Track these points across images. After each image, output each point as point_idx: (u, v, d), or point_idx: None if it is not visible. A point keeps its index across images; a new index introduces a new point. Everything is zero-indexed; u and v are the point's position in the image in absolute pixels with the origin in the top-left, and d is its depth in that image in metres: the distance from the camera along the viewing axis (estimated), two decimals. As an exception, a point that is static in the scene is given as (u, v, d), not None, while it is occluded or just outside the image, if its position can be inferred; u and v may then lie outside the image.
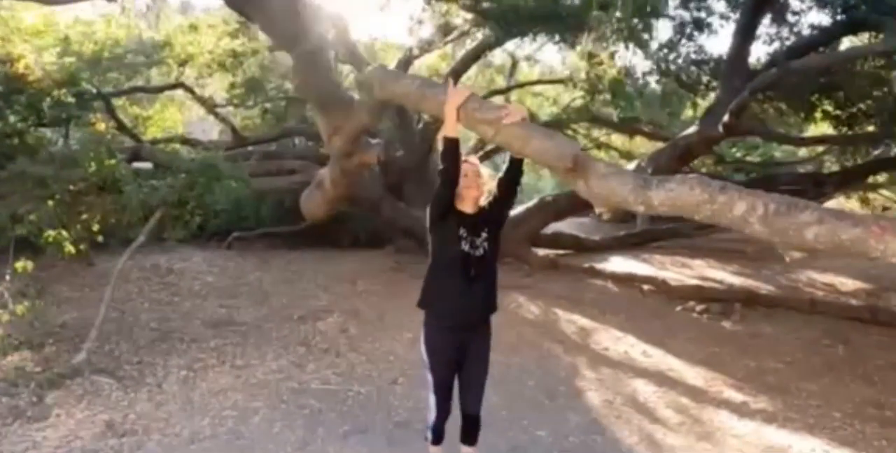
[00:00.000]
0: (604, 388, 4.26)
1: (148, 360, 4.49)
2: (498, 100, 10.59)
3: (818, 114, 8.12)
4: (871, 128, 7.92)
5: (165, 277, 7.32)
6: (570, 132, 11.43)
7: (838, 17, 5.51)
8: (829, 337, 5.56)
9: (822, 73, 5.49)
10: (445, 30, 8.06)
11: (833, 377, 4.55)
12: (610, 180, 2.07)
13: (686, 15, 7.06)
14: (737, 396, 4.17)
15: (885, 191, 11.66)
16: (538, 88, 12.32)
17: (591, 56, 9.21)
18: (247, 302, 6.37)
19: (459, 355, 2.67)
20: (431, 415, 2.78)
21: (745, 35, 6.01)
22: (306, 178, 6.06)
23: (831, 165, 10.10)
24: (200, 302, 6.30)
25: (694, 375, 4.56)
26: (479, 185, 2.60)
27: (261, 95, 9.50)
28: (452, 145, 2.46)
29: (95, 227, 4.74)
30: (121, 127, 8.38)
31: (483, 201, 2.63)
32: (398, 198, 8.39)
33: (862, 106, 7.54)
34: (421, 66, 10.83)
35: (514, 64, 12.44)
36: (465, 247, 2.54)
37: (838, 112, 7.80)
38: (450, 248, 2.56)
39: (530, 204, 8.66)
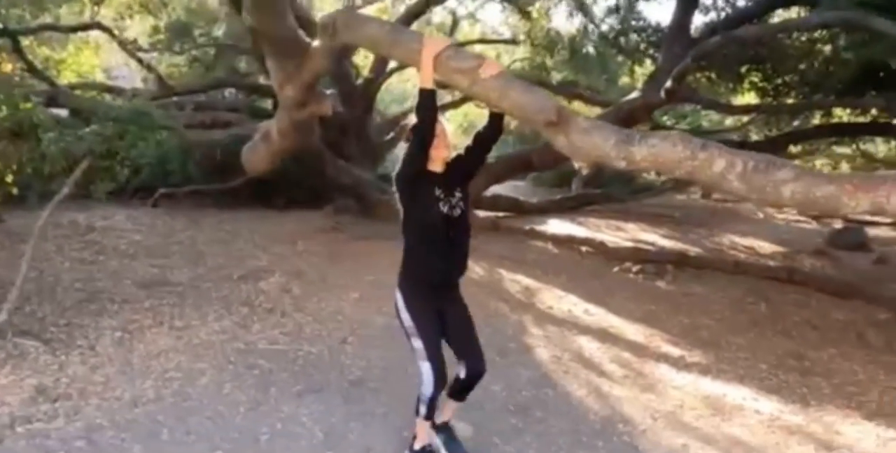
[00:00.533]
0: (551, 345, 4.38)
1: (76, 322, 4.20)
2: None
3: (746, 85, 8.48)
4: (790, 101, 8.36)
5: (86, 235, 6.84)
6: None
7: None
8: (751, 295, 5.94)
9: (755, 44, 5.68)
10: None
11: (757, 332, 4.88)
12: (592, 134, 2.04)
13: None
14: (674, 350, 4.40)
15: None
16: (479, 48, 12.15)
17: (528, 14, 9.14)
18: (180, 261, 6.06)
19: (441, 319, 2.59)
20: (428, 387, 2.53)
21: (688, 3, 6.11)
22: (245, 132, 5.74)
23: (755, 135, 10.65)
24: (129, 261, 5.94)
25: (634, 331, 4.77)
26: (448, 145, 2.48)
27: (188, 42, 8.83)
28: (430, 97, 2.32)
29: (10, 179, 4.31)
30: (31, 69, 7.58)
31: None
32: (338, 155, 8.15)
33: (787, 78, 7.92)
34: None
35: (455, 22, 12.19)
36: (444, 208, 2.44)
37: (765, 83, 8.16)
38: (429, 212, 2.44)
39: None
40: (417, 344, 2.55)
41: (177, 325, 4.31)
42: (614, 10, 8.26)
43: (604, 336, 4.62)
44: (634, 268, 6.58)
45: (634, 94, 6.66)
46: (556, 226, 9.00)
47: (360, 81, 9.06)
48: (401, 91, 15.65)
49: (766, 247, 8.54)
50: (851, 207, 1.67)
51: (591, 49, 10.05)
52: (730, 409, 3.45)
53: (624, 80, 10.58)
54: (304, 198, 9.36)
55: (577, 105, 11.63)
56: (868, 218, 11.03)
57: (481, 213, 8.90)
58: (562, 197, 10.77)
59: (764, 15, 6.44)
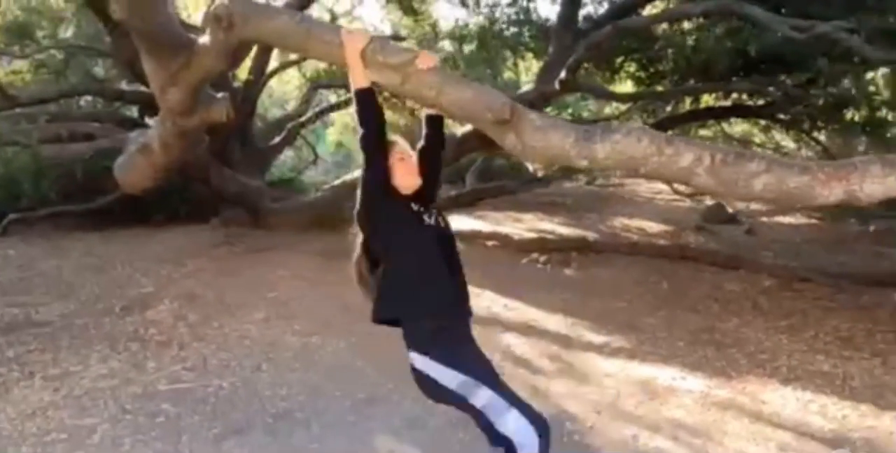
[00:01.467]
0: (483, 346, 4.25)
1: (-82, 385, 3.46)
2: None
3: (622, 75, 8.91)
4: (662, 89, 8.89)
5: (-81, 276, 5.77)
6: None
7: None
8: (652, 274, 6.20)
9: (632, 34, 5.93)
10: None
11: (667, 310, 5.07)
12: (548, 132, 1.88)
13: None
14: (597, 338, 4.44)
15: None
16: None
17: (411, 10, 8.99)
18: (45, 297, 5.27)
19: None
20: (530, 438, 1.83)
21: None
22: (113, 144, 5.07)
23: (637, 121, 11.25)
24: (-21, 302, 5.06)
25: (555, 323, 4.77)
26: (414, 171, 2.04)
27: (29, 45, 7.71)
28: (369, 96, 1.95)
29: None
30: None
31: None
32: (222, 163, 7.52)
33: (659, 66, 8.39)
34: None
35: (333, 20, 11.76)
36: (431, 221, 1.98)
37: (640, 72, 8.60)
38: (414, 230, 1.97)
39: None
40: (484, 397, 1.86)
41: (52, 374, 3.69)
42: (498, 3, 8.30)
43: (528, 331, 4.58)
44: (542, 259, 6.65)
45: (529, 87, 6.72)
46: (457, 222, 8.92)
47: (237, 84, 8.42)
48: (281, 94, 14.89)
49: (653, 226, 9.03)
50: (825, 197, 1.65)
51: (475, 44, 10.06)
52: (663, 392, 3.50)
53: (507, 74, 10.73)
54: (186, 211, 8.58)
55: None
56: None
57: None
58: (457, 193, 10.74)
59: (643, 6, 6.75)
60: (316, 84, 11.08)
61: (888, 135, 4.60)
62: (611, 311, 5.04)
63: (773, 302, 5.28)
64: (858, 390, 3.48)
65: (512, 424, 1.82)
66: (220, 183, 6.84)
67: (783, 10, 4.31)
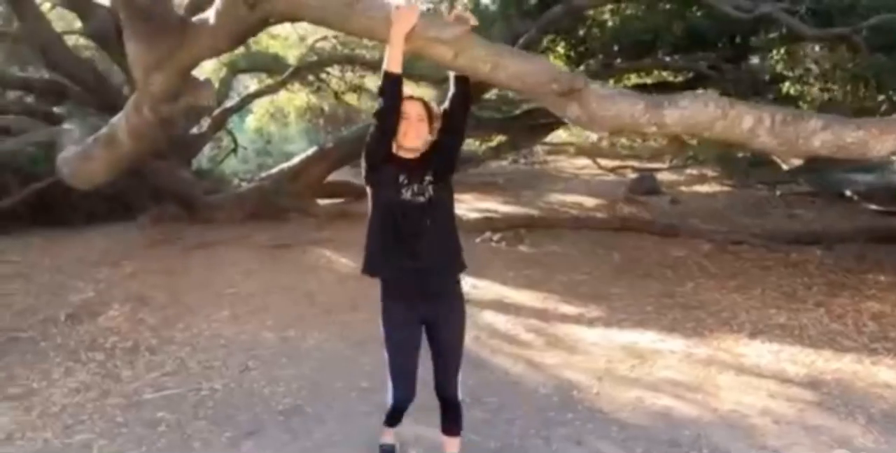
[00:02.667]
0: (468, 328, 4.29)
1: None
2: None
3: (553, 53, 9.13)
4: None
5: None
6: (323, 76, 10.87)
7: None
8: (599, 247, 6.49)
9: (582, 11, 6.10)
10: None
11: (626, 280, 5.33)
12: (617, 101, 1.91)
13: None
14: (571, 309, 4.61)
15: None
16: (279, 29, 11.31)
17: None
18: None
19: (422, 331, 2.27)
20: (388, 399, 2.32)
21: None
22: (32, 138, 4.58)
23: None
24: None
25: (528, 298, 4.89)
26: (421, 132, 2.13)
27: None
28: (396, 85, 1.99)
29: None
30: None
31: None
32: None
33: (586, 46, 8.67)
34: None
35: None
36: (406, 194, 2.12)
37: (570, 52, 8.84)
38: (387, 198, 2.15)
39: (309, 152, 8.08)
40: (384, 355, 2.29)
41: (13, 394, 3.35)
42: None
43: (504, 308, 4.67)
44: (495, 237, 6.76)
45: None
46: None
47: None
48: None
49: (587, 201, 9.41)
50: (877, 150, 1.79)
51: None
52: (649, 354, 3.71)
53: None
54: (108, 209, 7.94)
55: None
56: (651, 165, 12.77)
57: (324, 202, 8.42)
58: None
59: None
60: (235, 69, 10.52)
61: (816, 107, 5.07)
62: (575, 284, 5.24)
63: (716, 264, 5.70)
64: (815, 338, 3.86)
65: (387, 384, 2.31)
66: (155, 177, 6.38)
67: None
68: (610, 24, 8.22)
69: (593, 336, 4.07)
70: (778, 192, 9.42)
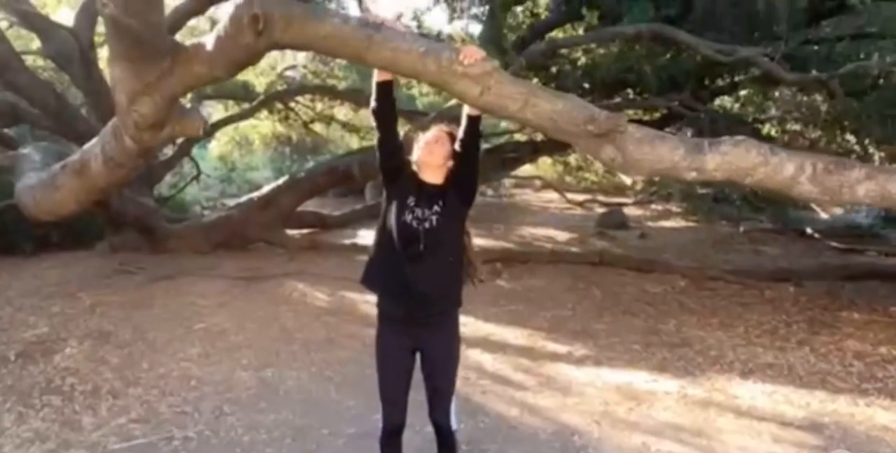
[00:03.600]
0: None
1: None
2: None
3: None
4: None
5: None
6: (292, 105, 10.74)
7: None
8: (579, 282, 6.45)
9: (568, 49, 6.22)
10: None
11: (609, 316, 5.28)
12: (656, 145, 1.85)
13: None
14: (559, 347, 4.50)
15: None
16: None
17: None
18: None
19: (414, 358, 2.26)
20: (380, 425, 2.31)
21: (495, 16, 6.33)
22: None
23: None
24: None
25: (514, 335, 4.77)
26: (436, 151, 2.15)
27: None
28: (384, 87, 2.09)
29: None
30: None
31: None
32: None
33: (559, 82, 8.83)
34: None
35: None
36: (408, 217, 2.14)
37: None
38: (393, 218, 2.17)
39: (279, 182, 7.86)
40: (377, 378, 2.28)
41: (-43, 445, 3.00)
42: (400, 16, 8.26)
43: (491, 346, 4.53)
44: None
45: (454, 102, 6.71)
46: (370, 237, 8.71)
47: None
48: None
49: (559, 234, 9.44)
50: None
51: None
52: (645, 396, 3.62)
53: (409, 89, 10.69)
54: (62, 236, 7.50)
55: (364, 113, 11.44)
56: (618, 200, 12.99)
57: (292, 232, 8.18)
58: (363, 206, 10.48)
59: (563, 25, 7.06)
60: (201, 95, 10.28)
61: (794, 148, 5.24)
62: (560, 320, 5.15)
63: (695, 301, 5.72)
64: (805, 378, 3.85)
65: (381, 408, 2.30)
66: (118, 204, 6.06)
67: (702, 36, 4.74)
68: (582, 61, 8.40)
69: (585, 376, 3.96)
70: (742, 229, 9.66)
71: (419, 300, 2.17)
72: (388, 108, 2.13)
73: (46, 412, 3.36)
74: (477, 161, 2.19)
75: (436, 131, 2.19)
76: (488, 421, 3.29)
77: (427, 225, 2.13)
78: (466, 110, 2.16)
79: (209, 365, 4.07)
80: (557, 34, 7.39)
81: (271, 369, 4.02)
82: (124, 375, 3.88)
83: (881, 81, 4.30)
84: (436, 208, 2.14)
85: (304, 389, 3.72)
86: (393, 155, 2.18)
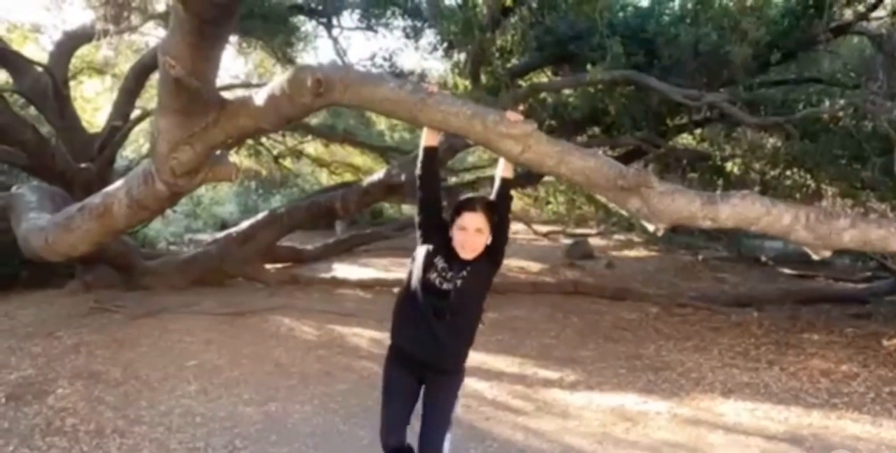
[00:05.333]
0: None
1: None
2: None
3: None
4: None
5: None
6: (263, 140, 10.83)
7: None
8: (558, 311, 6.71)
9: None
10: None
11: (592, 343, 5.53)
12: (676, 198, 2.10)
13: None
14: (550, 374, 4.70)
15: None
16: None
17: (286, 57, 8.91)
18: None
19: (418, 390, 2.40)
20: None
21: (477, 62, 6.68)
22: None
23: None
24: None
25: (505, 364, 4.94)
26: (477, 245, 2.26)
27: None
28: (430, 152, 2.26)
29: None
30: None
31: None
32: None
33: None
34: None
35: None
36: (433, 276, 2.26)
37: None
38: (416, 273, 2.31)
39: (258, 217, 7.91)
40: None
41: (-33, 490, 2.95)
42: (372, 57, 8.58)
43: (485, 374, 4.68)
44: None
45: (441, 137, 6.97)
46: (346, 270, 8.80)
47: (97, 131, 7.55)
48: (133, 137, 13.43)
49: (530, 265, 9.74)
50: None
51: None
52: (638, 417, 3.84)
53: (380, 123, 10.97)
54: (29, 275, 7.31)
55: (334, 149, 11.64)
56: (582, 231, 13.45)
57: (268, 266, 8.19)
58: (336, 240, 10.57)
59: (535, 70, 7.50)
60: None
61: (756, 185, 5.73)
62: (546, 348, 5.36)
63: (669, 327, 6.04)
64: (780, 396, 4.15)
65: None
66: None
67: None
68: (550, 100, 8.86)
69: (579, 400, 4.16)
70: (700, 257, 10.20)
71: (429, 351, 2.30)
72: (434, 172, 2.29)
73: (53, 453, 3.32)
74: (508, 224, 2.36)
75: (478, 218, 2.23)
76: (497, 446, 3.44)
77: (448, 285, 2.25)
78: (500, 173, 2.36)
79: (210, 402, 4.08)
80: (532, 77, 7.83)
81: (274, 403, 4.06)
82: (125, 414, 3.86)
83: (831, 125, 4.81)
84: (464, 273, 2.26)
85: (311, 422, 3.78)
86: (433, 216, 2.33)
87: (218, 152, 2.83)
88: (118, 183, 3.03)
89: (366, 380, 4.55)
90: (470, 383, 4.46)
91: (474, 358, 5.05)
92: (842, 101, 4.45)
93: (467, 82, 6.06)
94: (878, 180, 4.28)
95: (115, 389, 4.27)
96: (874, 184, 4.57)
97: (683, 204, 2.13)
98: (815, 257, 2.26)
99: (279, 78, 2.24)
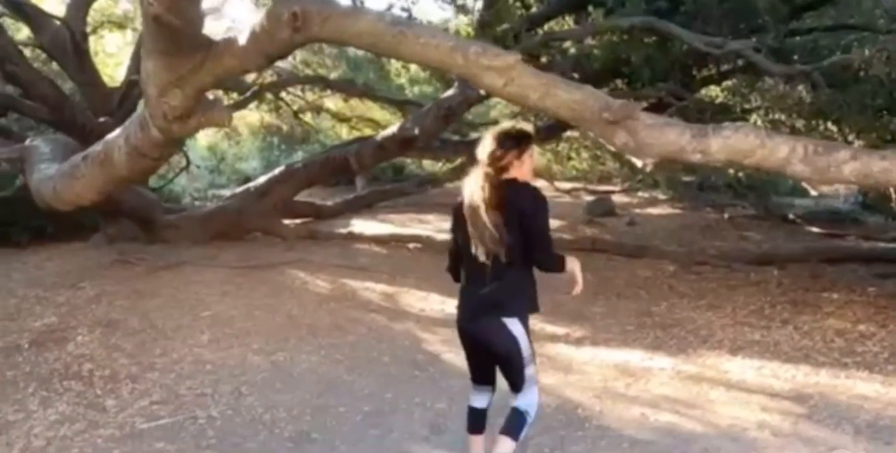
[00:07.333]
0: (457, 348, 4.21)
1: None
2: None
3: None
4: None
5: None
6: (283, 94, 10.76)
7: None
8: (572, 267, 6.64)
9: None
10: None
11: (603, 299, 5.49)
12: (665, 130, 2.01)
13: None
14: (557, 329, 4.70)
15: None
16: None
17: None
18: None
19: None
20: (534, 411, 2.57)
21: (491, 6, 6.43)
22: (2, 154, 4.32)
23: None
24: None
25: (513, 318, 4.94)
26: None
27: None
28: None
29: None
30: None
31: None
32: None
33: (551, 71, 8.96)
34: None
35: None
36: (475, 249, 2.39)
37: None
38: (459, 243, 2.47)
39: (275, 172, 7.94)
40: (532, 370, 2.49)
41: (-12, 428, 3.11)
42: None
43: (491, 328, 4.70)
44: (469, 258, 6.81)
45: (452, 91, 6.85)
46: (364, 226, 8.83)
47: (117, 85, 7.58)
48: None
49: (551, 222, 9.61)
50: None
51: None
52: (641, 372, 3.82)
53: (398, 79, 10.79)
54: (57, 227, 7.52)
55: (354, 104, 11.52)
56: (605, 188, 13.22)
57: (287, 222, 8.27)
58: (355, 196, 10.59)
59: (556, 17, 7.20)
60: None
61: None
62: (557, 304, 5.29)
63: (684, 284, 5.94)
64: (790, 354, 4.08)
65: (535, 395, 2.56)
66: (119, 194, 6.10)
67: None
68: (573, 51, 8.53)
69: (584, 355, 4.16)
70: (726, 215, 9.93)
71: (475, 310, 2.53)
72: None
73: (69, 396, 3.47)
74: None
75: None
76: (496, 398, 3.45)
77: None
78: None
79: (221, 351, 4.20)
80: (552, 26, 7.52)
81: (282, 353, 4.16)
82: (139, 361, 4.00)
83: (861, 74, 4.51)
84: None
85: (317, 371, 3.87)
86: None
87: (211, 97, 2.80)
88: (118, 130, 3.04)
89: (373, 333, 4.62)
90: (476, 337, 4.49)
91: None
92: (873, 49, 4.15)
93: (470, 29, 5.83)
94: (907, 132, 4.04)
95: (131, 337, 4.42)
96: (904, 137, 4.33)
97: (672, 137, 2.03)
98: (813, 193, 2.14)
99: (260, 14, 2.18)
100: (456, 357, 4.14)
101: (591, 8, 6.50)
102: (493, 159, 2.22)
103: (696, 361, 4.00)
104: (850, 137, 4.86)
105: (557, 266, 2.40)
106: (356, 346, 4.35)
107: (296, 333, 4.57)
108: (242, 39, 2.20)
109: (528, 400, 2.45)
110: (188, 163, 12.82)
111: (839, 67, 4.49)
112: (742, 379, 3.68)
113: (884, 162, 1.99)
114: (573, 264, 2.45)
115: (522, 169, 2.25)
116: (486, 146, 2.22)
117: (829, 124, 5.17)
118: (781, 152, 2.00)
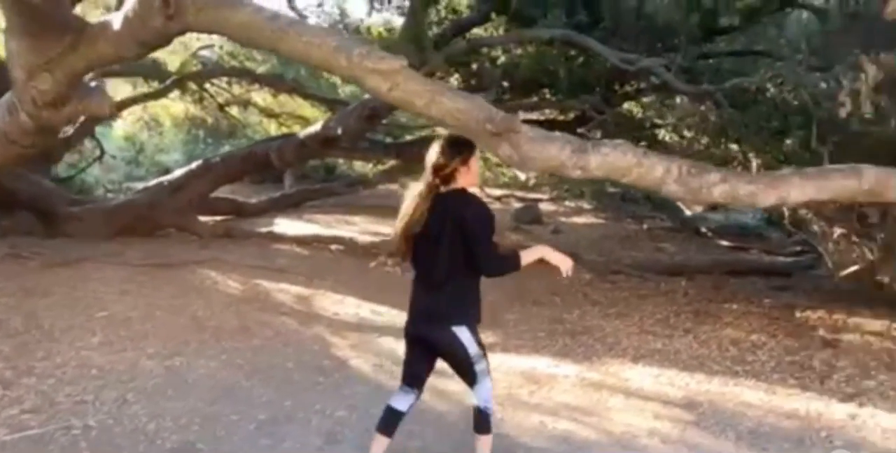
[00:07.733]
0: (366, 353, 4.23)
1: None
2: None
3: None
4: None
5: None
6: (207, 86, 10.35)
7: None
8: (492, 273, 6.69)
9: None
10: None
11: (519, 306, 5.56)
12: (546, 145, 2.00)
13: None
14: (469, 335, 4.69)
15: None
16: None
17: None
18: None
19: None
20: (491, 401, 2.65)
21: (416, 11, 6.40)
22: None
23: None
24: None
25: (426, 324, 4.91)
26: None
27: None
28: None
29: None
30: None
31: None
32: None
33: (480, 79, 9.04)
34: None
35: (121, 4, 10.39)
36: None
37: (463, 84, 9.19)
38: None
39: (192, 166, 7.60)
40: (482, 365, 2.57)
41: None
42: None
43: (400, 334, 4.64)
44: (390, 262, 6.74)
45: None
46: (288, 225, 8.60)
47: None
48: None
49: (476, 228, 9.68)
50: (763, 202, 2.04)
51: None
52: (546, 379, 3.87)
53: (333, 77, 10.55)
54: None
55: (283, 99, 11.23)
56: (534, 196, 13.46)
57: (205, 219, 7.92)
58: (281, 194, 10.30)
59: (483, 24, 7.24)
60: (107, 73, 9.69)
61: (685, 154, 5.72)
62: (472, 310, 5.34)
63: (598, 292, 6.10)
64: (687, 362, 4.24)
65: (488, 387, 2.63)
66: (12, 183, 5.66)
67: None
68: (502, 60, 8.65)
69: (493, 362, 4.12)
70: (645, 226, 10.32)
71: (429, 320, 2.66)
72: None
73: (-73, 404, 3.16)
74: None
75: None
76: (407, 421, 3.40)
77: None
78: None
79: (112, 354, 3.94)
80: (478, 33, 7.58)
81: (179, 358, 3.95)
82: (17, 365, 3.69)
83: (759, 97, 4.79)
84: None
85: (214, 377, 3.70)
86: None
87: (93, 84, 2.60)
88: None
89: (280, 337, 4.48)
90: (385, 342, 4.45)
91: (395, 317, 5.05)
92: (768, 74, 4.42)
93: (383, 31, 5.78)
94: (797, 154, 4.31)
95: (11, 339, 4.08)
96: (794, 158, 4.61)
97: (553, 151, 2.05)
98: (687, 212, 2.21)
99: (133, -1, 2.03)
100: (364, 363, 4.09)
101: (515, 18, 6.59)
102: (437, 168, 2.22)
103: (600, 369, 4.09)
104: (751, 156, 5.16)
105: (506, 267, 2.36)
106: (260, 351, 4.19)
107: (198, 336, 4.36)
108: (117, 24, 2.05)
109: (484, 396, 2.54)
110: (102, 152, 12.14)
111: (739, 89, 4.75)
112: (640, 386, 3.79)
113: (750, 186, 2.09)
114: (537, 253, 2.43)
115: (469, 176, 2.24)
116: (431, 155, 2.20)
117: (731, 143, 5.46)
118: (657, 172, 2.05)
